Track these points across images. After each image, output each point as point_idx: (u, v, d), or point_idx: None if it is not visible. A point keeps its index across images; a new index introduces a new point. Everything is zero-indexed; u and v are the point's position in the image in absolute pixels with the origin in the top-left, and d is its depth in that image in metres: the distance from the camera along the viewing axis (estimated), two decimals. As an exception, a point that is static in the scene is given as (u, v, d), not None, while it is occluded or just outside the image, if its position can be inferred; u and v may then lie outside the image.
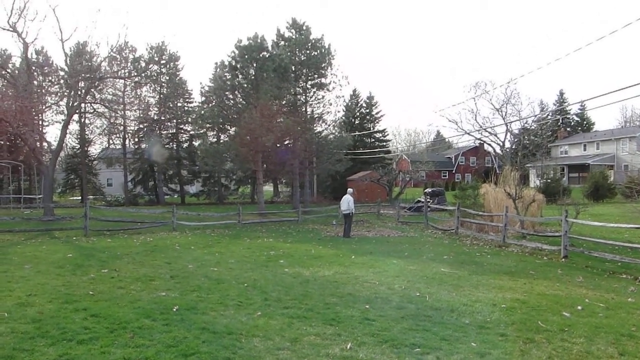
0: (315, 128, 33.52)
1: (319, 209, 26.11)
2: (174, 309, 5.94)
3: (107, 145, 45.04)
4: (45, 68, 34.31)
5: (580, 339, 5.09)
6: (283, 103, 29.58)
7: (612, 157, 44.90)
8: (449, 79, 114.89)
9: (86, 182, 40.81)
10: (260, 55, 29.16)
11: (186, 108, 42.10)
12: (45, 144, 28.64)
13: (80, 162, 41.75)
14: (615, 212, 21.33)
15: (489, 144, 47.31)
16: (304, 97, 33.14)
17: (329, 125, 35.02)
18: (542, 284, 8.20)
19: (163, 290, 7.12)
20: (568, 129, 58.80)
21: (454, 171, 62.50)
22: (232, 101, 30.86)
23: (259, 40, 29.48)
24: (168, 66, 40.90)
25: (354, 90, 47.35)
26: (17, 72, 26.25)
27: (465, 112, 72.89)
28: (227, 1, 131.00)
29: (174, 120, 41.96)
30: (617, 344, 4.98)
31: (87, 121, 39.07)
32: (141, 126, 39.18)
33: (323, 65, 32.17)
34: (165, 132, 42.24)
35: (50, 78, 31.00)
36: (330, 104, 35.02)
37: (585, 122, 62.77)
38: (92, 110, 30.92)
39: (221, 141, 36.16)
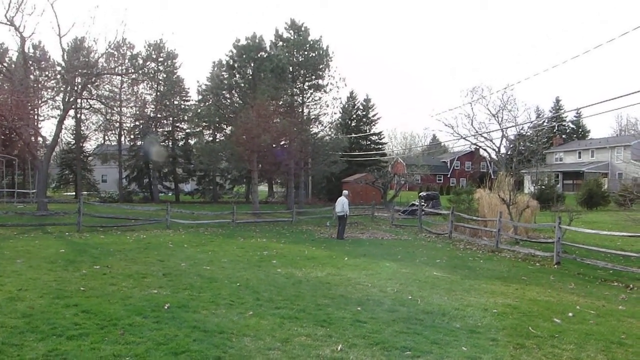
0: (311, 129, 33.54)
1: (314, 210, 26.11)
2: (165, 307, 5.92)
3: (102, 142, 44.75)
4: (42, 63, 34.03)
5: (570, 346, 5.12)
6: (280, 103, 29.60)
7: (606, 165, 45.16)
8: (447, 82, 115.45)
9: (80, 177, 40.55)
10: (258, 55, 29.15)
11: (183, 106, 41.96)
12: (40, 138, 28.41)
13: (75, 158, 41.51)
14: (609, 220, 21.48)
15: (485, 149, 47.56)
16: (300, 98, 33.16)
17: (325, 127, 35.09)
18: (534, 290, 8.24)
19: (155, 287, 7.09)
20: (563, 136, 59.13)
21: (449, 175, 62.75)
22: (229, 100, 30.83)
23: (257, 40, 29.49)
24: (165, 64, 40.75)
25: (351, 93, 47.43)
26: (13, 66, 26.06)
27: (461, 117, 73.27)
28: (227, 1, 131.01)
29: (170, 118, 41.80)
30: (606, 351, 5.01)
31: (83, 117, 38.75)
32: (137, 123, 39.00)
33: (320, 66, 32.21)
34: (161, 129, 42.06)
35: (46, 73, 30.71)
36: (327, 106, 35.06)
37: (580, 130, 63.24)
38: (88, 106, 30.65)
39: (217, 140, 36.09)
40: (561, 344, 5.16)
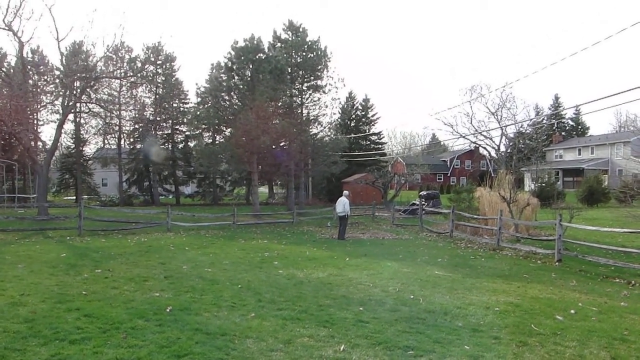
0: (310, 130, 33.57)
1: (314, 211, 26.09)
2: (168, 310, 5.92)
3: (102, 145, 44.84)
4: (41, 67, 34.09)
5: (573, 343, 5.11)
6: (279, 105, 29.59)
7: (606, 161, 45.05)
8: (446, 81, 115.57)
9: (81, 181, 40.60)
10: (257, 57, 29.19)
11: (182, 109, 42.03)
12: (39, 143, 28.45)
13: (75, 162, 41.57)
14: (609, 217, 21.49)
15: (484, 148, 47.58)
16: (299, 99, 33.20)
17: (325, 127, 35.14)
18: (536, 287, 8.23)
19: (157, 290, 7.09)
20: (563, 134, 58.98)
21: (449, 174, 62.61)
22: (227, 102, 30.86)
23: (255, 42, 29.53)
24: (164, 67, 40.82)
25: (350, 93, 47.44)
26: (12, 71, 26.09)
27: (460, 116, 73.51)
28: (226, 2, 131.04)
29: (170, 121, 41.85)
30: (609, 347, 5.01)
31: (82, 121, 38.87)
32: (136, 126, 39.06)
33: (319, 67, 32.27)
34: (160, 132, 42.13)
35: (45, 77, 30.75)
36: (326, 106, 35.17)
37: (580, 127, 63.13)
38: (87, 110, 30.74)
39: (216, 142, 36.14)
40: (564, 341, 5.15)
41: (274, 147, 27.74)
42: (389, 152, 59.82)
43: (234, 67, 29.44)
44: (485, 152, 50.77)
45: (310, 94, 33.41)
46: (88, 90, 24.93)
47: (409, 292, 7.43)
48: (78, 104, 27.00)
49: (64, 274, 8.31)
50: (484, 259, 11.76)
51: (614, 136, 49.71)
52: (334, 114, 37.10)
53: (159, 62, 40.15)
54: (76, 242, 13.66)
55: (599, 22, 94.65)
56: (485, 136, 43.80)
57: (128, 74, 27.03)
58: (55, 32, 23.43)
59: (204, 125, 34.17)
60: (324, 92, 32.92)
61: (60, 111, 25.11)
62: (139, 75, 30.23)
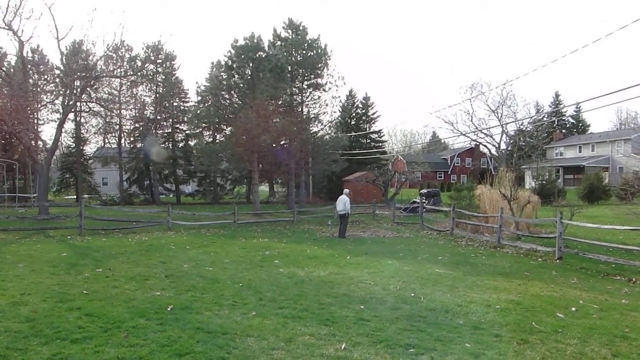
0: (311, 128, 33.52)
1: (315, 209, 26.11)
2: (169, 309, 5.92)
3: (102, 145, 44.78)
4: (41, 66, 34.06)
5: (574, 340, 5.10)
6: (279, 103, 29.56)
7: (607, 159, 44.94)
8: (446, 79, 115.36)
9: (81, 181, 40.60)
10: (257, 55, 29.13)
11: (182, 107, 41.99)
12: (40, 142, 28.46)
13: (75, 161, 41.55)
14: (610, 214, 21.47)
15: (485, 145, 47.56)
16: (300, 97, 33.14)
17: (325, 126, 35.12)
18: (537, 285, 8.22)
19: (158, 289, 7.09)
20: (563, 131, 58.78)
21: (449, 172, 62.56)
22: (228, 101, 30.82)
23: (255, 40, 29.46)
24: (164, 65, 40.78)
25: (350, 91, 47.43)
26: (12, 70, 26.09)
27: (461, 114, 73.35)
28: (226, 1, 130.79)
29: (170, 120, 41.82)
30: (610, 345, 5.00)
31: (82, 120, 38.81)
32: (137, 125, 39.00)
33: (319, 65, 32.19)
34: (161, 131, 42.10)
35: (45, 76, 30.72)
36: (326, 105, 35.05)
37: (580, 124, 62.85)
38: (87, 109, 30.70)
39: (217, 141, 36.13)
40: (565, 339, 5.14)
41: (274, 145, 27.73)
42: (390, 150, 59.73)
43: (234, 65, 29.40)
44: (485, 150, 50.74)
45: (310, 92, 33.35)
46: (88, 89, 24.91)
47: (410, 290, 7.43)
48: (78, 103, 26.99)
49: (65, 273, 8.31)
50: (484, 257, 11.76)
51: (614, 133, 49.53)
52: (334, 112, 37.06)
53: (159, 60, 40.12)
54: (77, 241, 13.66)
55: (599, 21, 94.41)
56: (485, 134, 43.78)
57: (128, 73, 27.01)
58: (55, 31, 23.36)
59: (204, 124, 34.19)
60: (324, 90, 32.87)
61: (61, 110, 25.12)
62: (139, 74, 30.21)
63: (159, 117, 40.65)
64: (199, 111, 32.42)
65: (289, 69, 31.68)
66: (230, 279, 8.08)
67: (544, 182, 32.30)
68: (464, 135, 43.81)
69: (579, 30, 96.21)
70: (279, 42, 32.84)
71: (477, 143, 50.43)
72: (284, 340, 4.84)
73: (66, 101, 23.38)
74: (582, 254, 11.12)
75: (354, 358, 4.45)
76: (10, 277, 7.78)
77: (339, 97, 37.79)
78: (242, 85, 29.72)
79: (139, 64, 34.49)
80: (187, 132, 42.03)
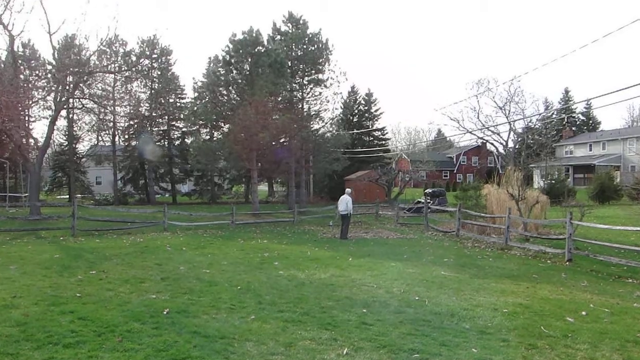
0: (312, 126, 33.16)
1: (316, 210, 25.89)
2: (165, 312, 5.82)
3: (96, 143, 44.30)
4: (32, 62, 33.71)
5: (584, 345, 5.03)
6: (279, 99, 29.28)
7: (618, 157, 43.96)
8: (452, 75, 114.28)
9: (74, 180, 40.13)
10: (256, 50, 28.82)
11: (178, 104, 41.65)
12: (31, 140, 28.01)
13: (68, 160, 41.09)
14: (622, 215, 21.29)
15: (492, 144, 46.99)
16: (300, 93, 32.80)
17: (326, 123, 34.76)
18: (546, 288, 8.13)
19: (153, 292, 6.98)
20: (573, 129, 56.98)
21: (455, 171, 61.84)
22: (226, 97, 30.54)
23: (254, 35, 29.11)
24: (160, 60, 40.43)
25: (352, 87, 46.75)
26: (2, 65, 25.68)
27: (467, 111, 72.34)
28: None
29: (166, 117, 41.45)
30: (622, 350, 4.93)
31: (75, 117, 38.40)
32: (131, 123, 38.67)
33: (320, 60, 31.82)
34: (156, 129, 41.73)
35: (37, 72, 30.31)
36: (328, 101, 34.55)
37: (591, 122, 60.89)
38: (80, 106, 30.36)
39: (214, 139, 35.78)
40: (575, 344, 5.07)
41: (273, 143, 27.44)
42: (393, 149, 58.90)
43: (232, 60, 29.06)
44: (492, 148, 50.20)
45: (311, 89, 32.95)
46: (81, 85, 24.59)
47: (414, 294, 7.33)
48: (71, 100, 26.68)
49: (57, 275, 8.17)
50: (491, 259, 11.62)
51: (626, 131, 48.39)
52: (336, 109, 36.53)
53: (154, 55, 39.73)
54: (70, 242, 13.48)
55: (611, 15, 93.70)
56: (492, 132, 43.05)
57: (122, 68, 26.75)
58: (47, 25, 22.92)
59: (201, 121, 33.84)
60: (325, 86, 32.45)
61: (53, 107, 24.79)
62: (133, 69, 29.91)
63: (154, 114, 40.29)
64: (195, 108, 32.10)
65: (289, 64, 31.28)
66: (228, 282, 7.95)
67: (553, 181, 32.02)
68: (470, 132, 43.20)
69: (591, 24, 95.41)
70: (278, 37, 32.45)
71: (484, 141, 49.87)
72: (283, 345, 4.77)
73: (58, 97, 23.06)
74: (592, 256, 10.99)
75: (358, 364, 4.33)
76: (0, 280, 7.63)
77: (341, 93, 37.46)
78: (240, 81, 29.40)
79: (134, 59, 34.22)
80: (184, 129, 41.70)
